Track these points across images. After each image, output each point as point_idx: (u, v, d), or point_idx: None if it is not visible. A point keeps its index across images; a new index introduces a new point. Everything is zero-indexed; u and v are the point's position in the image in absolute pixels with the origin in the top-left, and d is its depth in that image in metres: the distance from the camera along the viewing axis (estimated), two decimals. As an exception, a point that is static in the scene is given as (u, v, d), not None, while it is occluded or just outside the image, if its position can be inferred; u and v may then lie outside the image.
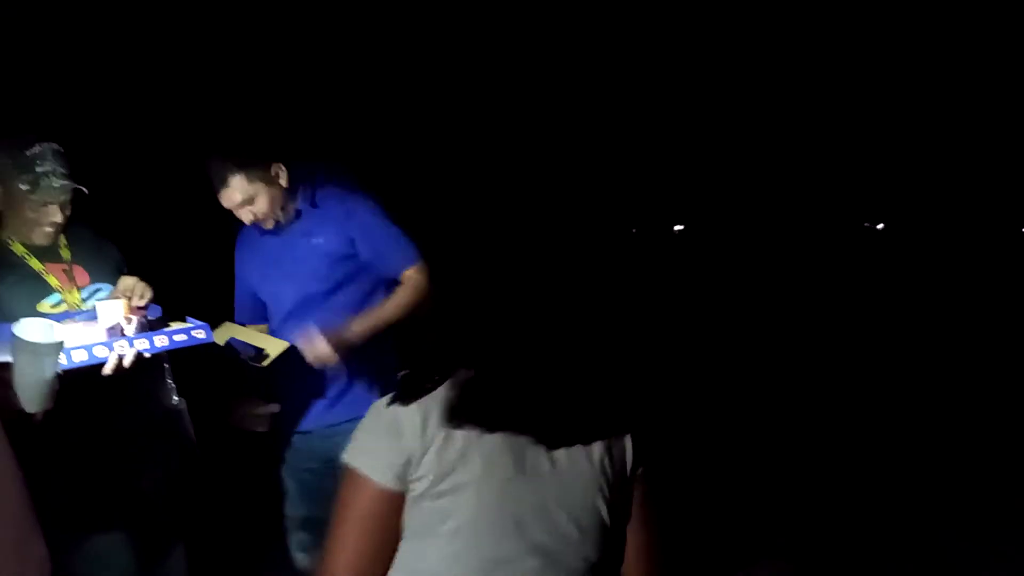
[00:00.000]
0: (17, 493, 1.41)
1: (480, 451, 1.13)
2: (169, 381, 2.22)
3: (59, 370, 1.59)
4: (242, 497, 3.25)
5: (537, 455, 1.16)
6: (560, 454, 1.17)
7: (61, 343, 1.57)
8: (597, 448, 1.19)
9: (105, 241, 2.25)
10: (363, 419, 1.21)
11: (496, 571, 1.14)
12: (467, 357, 1.19)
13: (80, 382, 1.74)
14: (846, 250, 21.05)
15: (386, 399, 1.19)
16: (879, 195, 28.77)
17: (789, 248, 20.91)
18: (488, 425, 1.13)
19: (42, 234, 2.06)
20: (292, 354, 2.16)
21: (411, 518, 1.16)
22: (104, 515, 2.05)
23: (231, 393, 2.34)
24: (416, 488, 1.15)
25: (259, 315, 2.45)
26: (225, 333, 2.25)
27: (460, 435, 1.13)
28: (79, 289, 2.09)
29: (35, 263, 2.06)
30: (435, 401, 1.15)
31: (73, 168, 2.04)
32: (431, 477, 1.13)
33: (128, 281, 1.99)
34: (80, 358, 1.74)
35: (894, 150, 25.60)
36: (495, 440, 1.13)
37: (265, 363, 2.15)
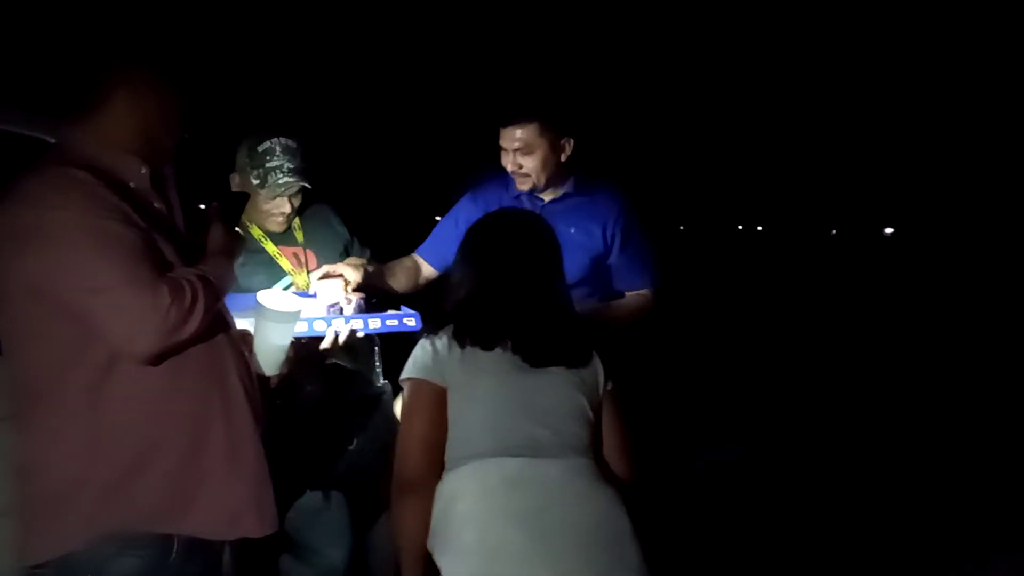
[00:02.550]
0: (255, 451, 1.56)
1: (487, 360, 1.67)
2: (377, 363, 2.36)
3: (293, 339, 1.75)
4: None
5: (530, 367, 1.66)
6: (549, 369, 1.67)
7: (299, 312, 1.72)
8: (575, 368, 1.70)
9: (338, 225, 2.38)
10: (413, 352, 1.73)
11: (511, 437, 1.60)
12: (467, 306, 1.74)
13: (310, 356, 1.88)
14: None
15: (423, 338, 1.73)
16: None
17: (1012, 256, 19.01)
18: (482, 344, 1.67)
19: (274, 223, 2.23)
20: None
21: (451, 409, 1.65)
22: (318, 475, 2.22)
23: None
24: (451, 386, 1.66)
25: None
26: None
27: (470, 351, 1.67)
28: (308, 272, 2.23)
29: (270, 247, 2.23)
30: (449, 332, 1.70)
31: (308, 161, 2.16)
32: (457, 377, 1.66)
33: (350, 266, 2.13)
34: (301, 329, 1.89)
35: None
36: (496, 354, 1.67)
37: None
